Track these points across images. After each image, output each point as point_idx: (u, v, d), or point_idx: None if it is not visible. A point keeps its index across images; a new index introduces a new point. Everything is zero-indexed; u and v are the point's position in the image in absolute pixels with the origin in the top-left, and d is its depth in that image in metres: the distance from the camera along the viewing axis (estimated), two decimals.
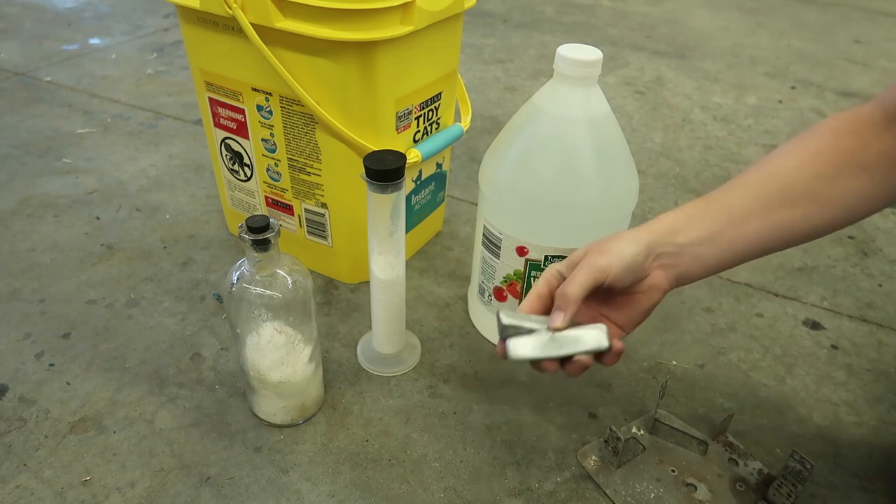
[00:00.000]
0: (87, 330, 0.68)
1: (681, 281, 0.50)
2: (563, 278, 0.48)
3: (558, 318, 0.46)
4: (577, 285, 0.46)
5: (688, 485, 0.55)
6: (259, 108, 0.67)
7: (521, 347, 0.45)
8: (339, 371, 0.65)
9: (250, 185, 0.75)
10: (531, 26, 1.73)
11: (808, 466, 0.50)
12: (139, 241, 0.82)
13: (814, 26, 1.86)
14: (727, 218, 0.49)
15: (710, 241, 0.48)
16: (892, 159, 0.48)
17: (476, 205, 0.83)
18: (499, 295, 0.65)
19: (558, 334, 0.45)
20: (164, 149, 1.04)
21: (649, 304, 0.49)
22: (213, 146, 0.76)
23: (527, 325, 0.46)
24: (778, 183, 0.49)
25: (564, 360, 0.46)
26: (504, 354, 0.46)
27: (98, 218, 0.87)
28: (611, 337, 0.46)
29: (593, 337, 0.46)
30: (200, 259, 0.80)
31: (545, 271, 0.49)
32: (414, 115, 0.69)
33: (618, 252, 0.46)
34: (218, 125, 0.73)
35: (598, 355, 0.46)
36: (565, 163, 0.56)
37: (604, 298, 0.49)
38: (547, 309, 0.48)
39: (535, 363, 0.46)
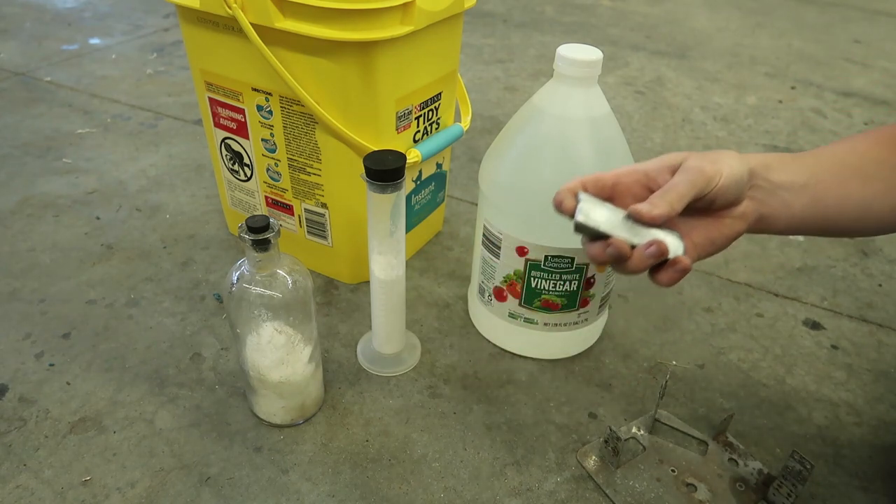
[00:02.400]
0: (87, 330, 0.68)
1: (763, 223, 0.47)
2: (647, 178, 0.45)
3: (645, 208, 0.41)
4: (678, 194, 0.41)
5: (688, 485, 0.55)
6: (259, 108, 0.67)
7: (595, 214, 0.41)
8: (339, 371, 0.65)
9: (250, 185, 0.75)
10: (531, 26, 1.73)
11: (808, 466, 0.50)
12: (139, 241, 0.82)
13: (814, 26, 1.86)
14: (814, 175, 0.47)
15: (800, 190, 0.46)
16: None
17: (476, 205, 0.83)
18: (499, 295, 0.65)
19: (634, 225, 0.41)
20: (164, 149, 1.04)
21: (733, 231, 0.45)
22: (213, 146, 0.76)
23: (605, 209, 0.42)
24: (849, 161, 0.49)
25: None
26: (572, 214, 0.42)
27: (98, 218, 0.87)
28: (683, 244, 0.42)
29: (671, 240, 0.42)
30: (200, 259, 0.80)
31: (623, 167, 0.45)
32: (414, 115, 0.69)
33: (727, 163, 0.43)
34: (218, 125, 0.73)
35: (658, 265, 0.42)
36: (565, 163, 0.56)
37: (689, 211, 0.44)
38: (597, 190, 0.44)
39: (601, 239, 0.42)
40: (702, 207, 0.44)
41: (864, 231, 0.50)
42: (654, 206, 0.41)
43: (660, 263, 0.42)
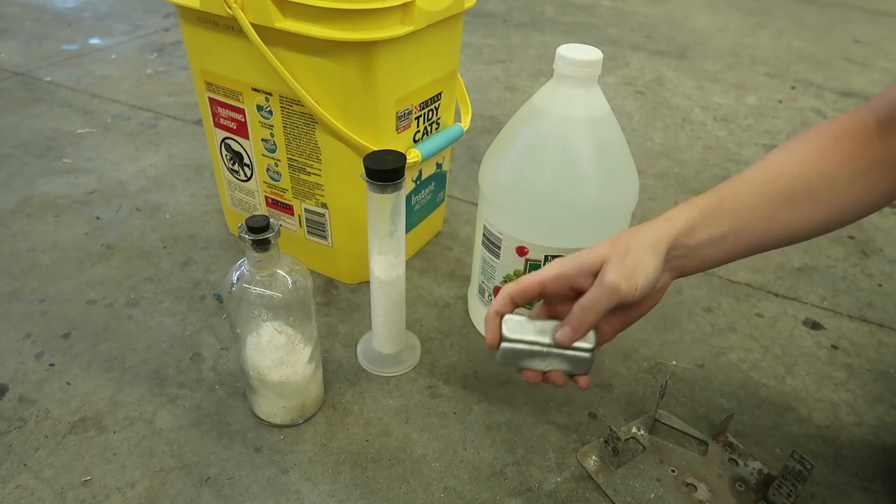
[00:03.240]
0: (87, 330, 0.68)
1: (679, 276, 0.51)
2: (570, 281, 0.48)
3: (567, 335, 0.47)
4: (595, 313, 0.46)
5: (688, 485, 0.55)
6: (259, 108, 0.67)
7: (517, 346, 0.49)
8: (339, 371, 0.65)
9: (250, 185, 0.75)
10: (531, 26, 1.73)
11: (808, 466, 0.50)
12: (139, 241, 0.82)
13: (814, 26, 1.86)
14: (737, 220, 0.49)
15: (719, 243, 0.49)
16: (884, 166, 0.48)
17: (476, 205, 0.83)
18: None
19: (552, 346, 0.48)
20: (164, 149, 1.04)
21: (648, 307, 0.50)
22: (213, 146, 0.76)
23: (528, 337, 0.49)
24: (783, 184, 0.49)
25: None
26: (496, 346, 0.49)
27: (98, 218, 0.87)
28: (593, 361, 0.49)
29: (581, 360, 0.48)
30: (200, 259, 0.80)
31: (549, 267, 0.49)
32: (414, 115, 0.69)
33: (643, 272, 0.46)
34: (218, 125, 0.73)
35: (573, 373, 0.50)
36: (565, 163, 0.56)
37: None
38: (525, 302, 0.50)
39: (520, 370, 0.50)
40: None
41: (791, 244, 0.52)
42: (574, 331, 0.47)
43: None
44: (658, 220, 0.49)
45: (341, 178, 0.68)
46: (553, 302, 0.50)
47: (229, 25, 0.63)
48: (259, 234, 0.48)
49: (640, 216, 0.93)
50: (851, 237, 0.91)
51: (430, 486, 0.55)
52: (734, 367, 0.68)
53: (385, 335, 0.64)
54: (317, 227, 0.73)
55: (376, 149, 0.58)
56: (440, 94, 0.72)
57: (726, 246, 0.49)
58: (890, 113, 0.47)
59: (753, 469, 0.56)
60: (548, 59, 1.50)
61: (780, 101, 1.34)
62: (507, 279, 0.63)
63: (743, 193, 0.50)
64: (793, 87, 1.42)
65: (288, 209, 0.74)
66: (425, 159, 0.70)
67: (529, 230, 0.59)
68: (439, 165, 0.79)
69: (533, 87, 1.34)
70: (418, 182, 0.75)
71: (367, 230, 0.58)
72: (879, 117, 0.48)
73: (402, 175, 0.53)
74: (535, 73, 1.43)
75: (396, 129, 0.67)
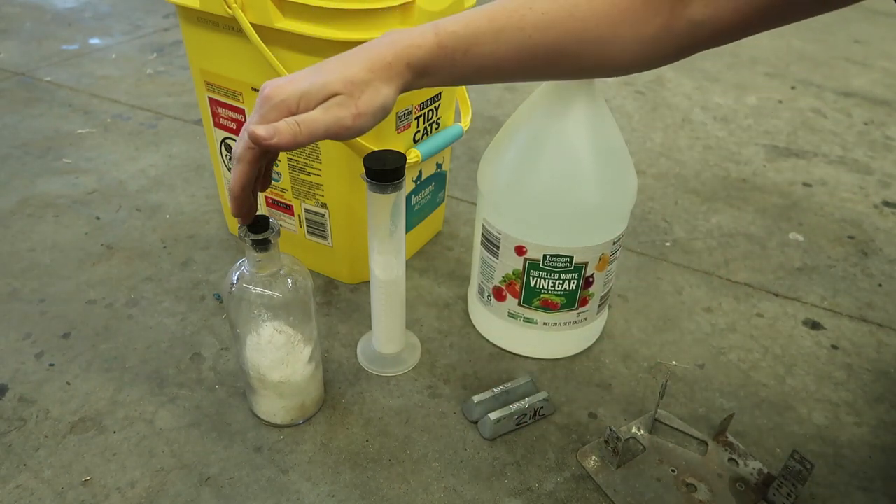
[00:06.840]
0: (87, 330, 0.68)
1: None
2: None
3: (268, 133, 0.42)
4: (308, 136, 0.43)
5: (688, 485, 0.55)
6: None
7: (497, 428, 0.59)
8: (339, 371, 0.65)
9: None
10: None
11: (808, 466, 0.50)
12: (139, 241, 0.82)
13: (814, 26, 1.86)
14: (481, 64, 0.46)
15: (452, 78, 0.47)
16: (671, 33, 0.46)
17: (476, 205, 0.83)
18: (498, 295, 0.65)
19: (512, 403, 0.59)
20: (164, 149, 1.04)
21: None
22: (213, 146, 0.76)
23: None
24: (554, 36, 0.45)
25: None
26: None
27: (98, 218, 0.87)
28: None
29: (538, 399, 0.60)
30: (200, 259, 0.80)
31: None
32: (414, 115, 0.69)
33: (373, 113, 0.44)
34: (218, 125, 0.73)
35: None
36: (564, 163, 0.56)
37: None
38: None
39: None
40: None
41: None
42: (275, 132, 0.42)
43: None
44: (405, 40, 0.45)
45: (341, 178, 0.68)
46: None
47: (229, 25, 0.63)
48: (259, 234, 0.48)
49: (639, 216, 0.93)
50: (851, 237, 0.91)
51: (430, 486, 0.55)
52: (734, 367, 0.68)
53: (385, 335, 0.64)
54: (317, 227, 0.73)
55: (376, 149, 0.58)
56: (440, 93, 0.72)
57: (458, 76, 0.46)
58: None
59: (753, 469, 0.56)
60: None
61: (780, 101, 1.34)
62: (506, 279, 0.63)
63: (502, 40, 0.45)
64: (793, 87, 1.42)
65: (288, 209, 0.74)
66: (425, 159, 0.70)
67: (528, 230, 0.59)
68: (439, 165, 0.79)
69: (533, 87, 1.34)
70: (418, 182, 0.75)
71: (367, 230, 0.58)
72: None
73: (402, 175, 0.53)
74: None
75: (396, 129, 0.67)
